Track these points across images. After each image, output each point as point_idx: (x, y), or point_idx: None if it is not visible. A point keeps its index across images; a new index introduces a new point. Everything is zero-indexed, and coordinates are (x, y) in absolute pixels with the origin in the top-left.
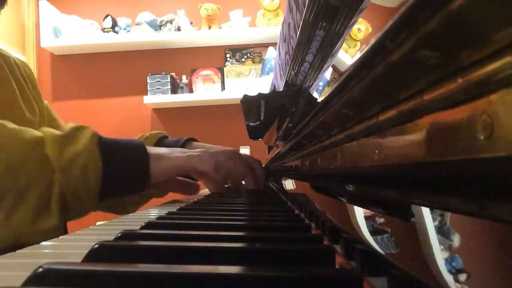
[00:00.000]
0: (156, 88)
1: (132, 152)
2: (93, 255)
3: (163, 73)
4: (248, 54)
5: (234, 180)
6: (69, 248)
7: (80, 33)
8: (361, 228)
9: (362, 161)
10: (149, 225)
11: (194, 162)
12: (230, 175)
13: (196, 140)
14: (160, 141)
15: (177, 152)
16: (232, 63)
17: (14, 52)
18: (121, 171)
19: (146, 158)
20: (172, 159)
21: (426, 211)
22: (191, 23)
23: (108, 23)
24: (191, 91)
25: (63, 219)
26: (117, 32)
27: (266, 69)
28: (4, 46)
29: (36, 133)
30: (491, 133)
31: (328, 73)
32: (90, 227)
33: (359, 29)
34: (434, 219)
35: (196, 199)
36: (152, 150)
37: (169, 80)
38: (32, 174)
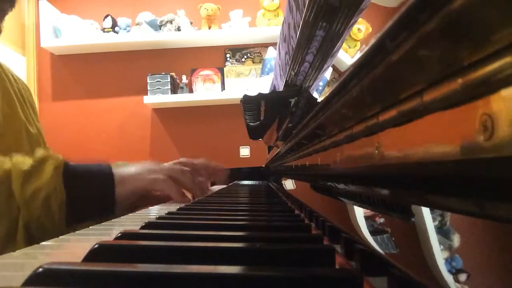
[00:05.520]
0: (156, 88)
1: (97, 179)
2: (93, 255)
3: (163, 73)
4: (248, 54)
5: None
6: (69, 248)
7: (80, 33)
8: (361, 228)
9: (362, 161)
10: (149, 225)
11: (158, 185)
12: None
13: None
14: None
15: (142, 170)
16: (232, 63)
17: (14, 52)
18: (86, 199)
19: (112, 183)
20: (137, 180)
21: (426, 211)
22: (191, 23)
23: (108, 23)
24: (191, 91)
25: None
26: (117, 32)
27: (266, 69)
28: (4, 46)
29: (5, 166)
30: (491, 133)
31: (328, 73)
32: (90, 227)
33: (359, 29)
34: (434, 219)
35: (196, 199)
36: (118, 173)
37: (169, 80)
38: None
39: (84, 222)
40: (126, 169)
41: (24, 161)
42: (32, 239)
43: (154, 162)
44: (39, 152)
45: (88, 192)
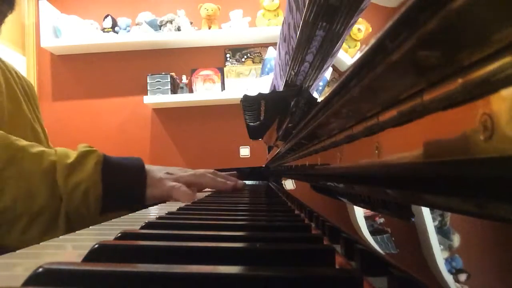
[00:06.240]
0: (156, 88)
1: (131, 179)
2: (93, 255)
3: (163, 73)
4: (248, 54)
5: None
6: (69, 248)
7: (80, 33)
8: (361, 228)
9: (362, 161)
10: (149, 225)
11: (181, 196)
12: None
13: None
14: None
15: (169, 177)
16: (232, 63)
17: (14, 52)
18: (119, 194)
19: (144, 184)
20: (164, 186)
21: (426, 211)
22: (191, 23)
23: (108, 23)
24: (191, 91)
25: (67, 232)
26: (117, 32)
27: (266, 69)
28: (4, 46)
29: (51, 158)
30: (491, 133)
31: (328, 73)
32: (90, 227)
33: (359, 29)
34: (434, 219)
35: (196, 199)
36: (151, 175)
37: (169, 80)
38: (45, 200)
39: (115, 212)
40: (158, 173)
41: (68, 154)
42: (71, 224)
43: (180, 168)
44: (82, 146)
45: (122, 188)
